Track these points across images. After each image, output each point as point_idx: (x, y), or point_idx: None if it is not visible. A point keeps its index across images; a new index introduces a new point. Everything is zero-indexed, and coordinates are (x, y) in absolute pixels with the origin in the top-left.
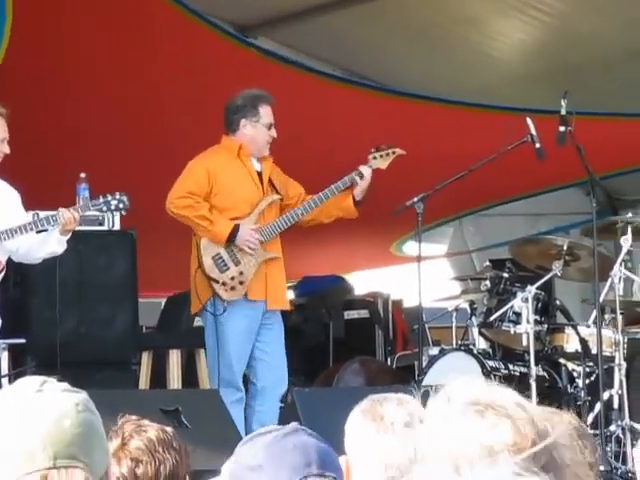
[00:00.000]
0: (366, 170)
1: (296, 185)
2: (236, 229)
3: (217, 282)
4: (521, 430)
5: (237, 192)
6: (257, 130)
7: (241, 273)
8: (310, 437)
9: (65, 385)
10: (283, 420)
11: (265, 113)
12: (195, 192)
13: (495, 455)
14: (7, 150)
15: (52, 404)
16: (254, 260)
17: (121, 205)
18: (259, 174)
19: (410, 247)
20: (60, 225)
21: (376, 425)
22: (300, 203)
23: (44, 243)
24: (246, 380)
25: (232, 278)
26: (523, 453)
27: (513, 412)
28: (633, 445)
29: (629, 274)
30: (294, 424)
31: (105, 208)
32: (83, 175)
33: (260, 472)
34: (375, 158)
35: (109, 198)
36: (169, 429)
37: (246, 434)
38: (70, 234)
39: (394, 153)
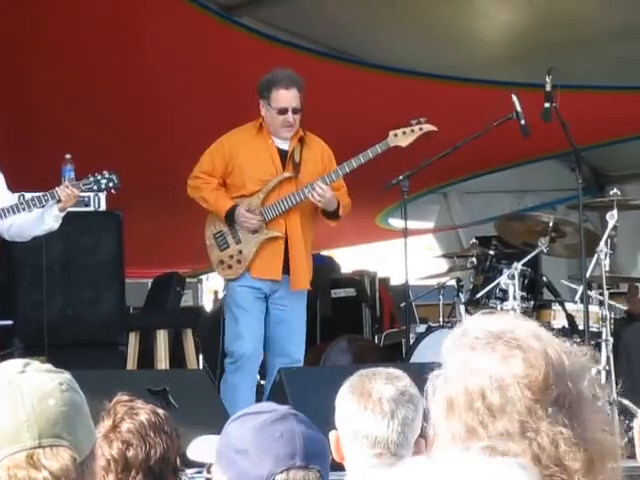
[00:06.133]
0: (316, 184)
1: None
2: (233, 210)
3: (215, 262)
4: (532, 361)
5: (249, 170)
6: (270, 114)
7: (240, 252)
8: (299, 424)
9: (48, 366)
10: (270, 399)
11: (277, 97)
12: (207, 171)
13: (506, 387)
14: None
15: (36, 384)
16: (255, 239)
17: (111, 184)
18: (285, 152)
19: (396, 221)
20: (61, 203)
21: (364, 401)
22: None
23: (40, 220)
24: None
25: (230, 256)
26: (535, 385)
27: (525, 343)
28: (620, 420)
29: None
30: (285, 408)
31: (96, 187)
32: (69, 156)
33: (245, 456)
34: (396, 135)
35: (99, 177)
36: (161, 411)
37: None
38: (67, 211)
39: (421, 130)
